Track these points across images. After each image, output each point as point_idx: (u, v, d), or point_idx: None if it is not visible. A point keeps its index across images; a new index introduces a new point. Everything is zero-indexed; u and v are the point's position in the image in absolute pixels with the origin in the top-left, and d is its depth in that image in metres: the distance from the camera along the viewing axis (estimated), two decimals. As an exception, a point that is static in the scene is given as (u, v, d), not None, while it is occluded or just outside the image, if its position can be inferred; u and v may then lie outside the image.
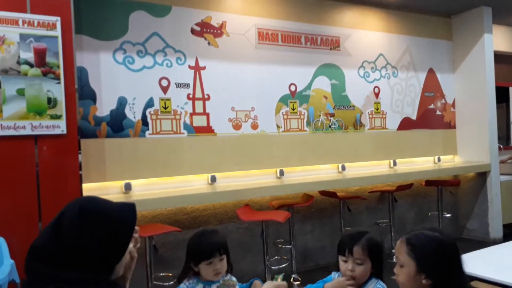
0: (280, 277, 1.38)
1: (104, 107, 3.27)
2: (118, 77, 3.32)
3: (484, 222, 4.98)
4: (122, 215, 1.06)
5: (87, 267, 0.97)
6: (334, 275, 1.79)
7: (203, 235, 1.90)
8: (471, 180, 5.11)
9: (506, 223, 5.02)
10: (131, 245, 1.15)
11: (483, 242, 4.87)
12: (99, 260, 0.99)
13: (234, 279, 1.94)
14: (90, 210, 1.03)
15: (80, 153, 2.91)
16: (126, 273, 1.21)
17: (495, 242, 4.79)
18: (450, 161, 5.22)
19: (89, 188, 3.14)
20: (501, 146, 5.26)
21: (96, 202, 1.08)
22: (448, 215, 4.80)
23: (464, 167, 4.87)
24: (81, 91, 3.17)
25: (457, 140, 5.24)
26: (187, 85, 3.59)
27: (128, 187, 3.31)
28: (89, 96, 3.22)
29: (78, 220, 1.00)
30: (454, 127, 5.25)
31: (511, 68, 6.16)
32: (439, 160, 5.10)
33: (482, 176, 5.00)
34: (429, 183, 4.67)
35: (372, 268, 1.66)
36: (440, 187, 4.69)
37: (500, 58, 5.17)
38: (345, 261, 1.67)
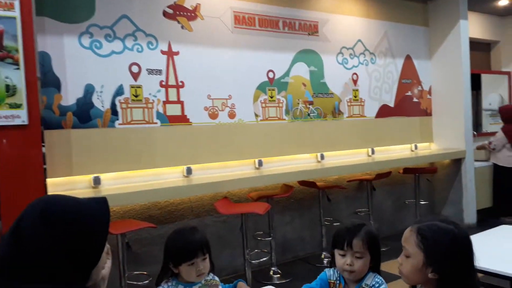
0: None
1: (70, 95, 3.03)
2: (84, 63, 3.08)
3: (458, 208, 5.05)
4: (93, 213, 0.92)
5: (58, 276, 0.84)
6: (329, 271, 1.69)
7: (182, 234, 1.75)
8: (447, 167, 5.16)
9: (480, 209, 5.11)
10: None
11: (458, 228, 4.93)
12: (71, 267, 0.85)
13: (216, 278, 1.81)
14: (54, 211, 0.88)
15: (43, 145, 2.69)
16: (104, 275, 1.08)
17: (469, 227, 4.87)
18: (427, 149, 5.25)
19: (54, 183, 2.92)
20: (475, 133, 5.32)
21: (59, 201, 0.92)
22: (425, 202, 4.83)
23: (440, 154, 4.90)
24: (43, 78, 2.92)
25: (433, 127, 5.27)
26: (160, 72, 3.38)
27: (97, 182, 3.10)
28: (53, 83, 2.97)
29: (40, 225, 0.85)
30: (430, 114, 5.26)
31: (483, 56, 6.24)
32: (416, 147, 5.11)
33: (457, 163, 5.05)
34: (406, 171, 4.67)
35: (370, 262, 1.58)
36: (417, 175, 4.70)
37: (472, 45, 5.19)
38: (343, 255, 1.57)
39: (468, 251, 1.20)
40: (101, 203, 0.96)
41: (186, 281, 1.72)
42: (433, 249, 1.19)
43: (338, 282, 1.65)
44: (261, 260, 3.58)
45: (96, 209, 0.94)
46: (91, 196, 1.00)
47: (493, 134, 5.38)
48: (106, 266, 1.15)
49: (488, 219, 4.97)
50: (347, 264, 1.55)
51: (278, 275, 3.64)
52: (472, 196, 5.01)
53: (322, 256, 4.06)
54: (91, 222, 0.91)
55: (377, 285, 1.56)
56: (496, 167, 5.15)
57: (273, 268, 3.70)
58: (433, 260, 1.18)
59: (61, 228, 0.86)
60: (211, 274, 1.80)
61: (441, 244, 1.19)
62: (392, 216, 4.89)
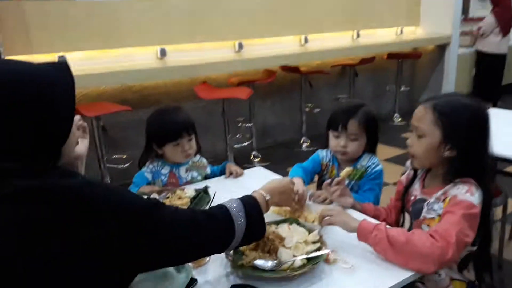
0: None
1: (16, -43, 2.55)
2: None
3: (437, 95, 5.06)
4: (52, 78, 0.76)
5: (22, 155, 0.71)
6: (322, 152, 1.62)
7: (166, 113, 1.63)
8: (431, 52, 5.02)
9: (457, 96, 5.14)
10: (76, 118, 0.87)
11: (433, 114, 5.01)
12: (36, 143, 0.72)
13: (204, 160, 1.73)
14: (2, 79, 0.71)
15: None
16: (80, 154, 0.99)
17: (445, 114, 4.95)
18: (412, 33, 5.03)
19: (13, 63, 2.62)
20: (462, 17, 5.09)
21: (6, 65, 0.75)
22: (405, 88, 4.80)
23: (426, 39, 4.74)
24: None
25: (421, 10, 4.98)
26: None
27: (63, 62, 2.81)
28: None
29: None
30: (420, -6, 4.93)
31: None
32: (401, 32, 4.88)
33: (441, 48, 4.91)
34: (391, 56, 4.52)
35: (366, 144, 1.50)
36: (401, 61, 4.58)
37: None
38: (337, 137, 1.48)
39: (487, 126, 1.11)
40: (61, 68, 0.79)
41: (173, 161, 1.63)
42: (452, 125, 1.09)
43: (331, 163, 1.59)
44: (242, 144, 3.55)
45: (55, 75, 0.77)
46: (49, 61, 0.80)
47: (480, 19, 5.17)
48: (81, 144, 1.01)
49: (464, 106, 5.05)
50: (340, 146, 1.47)
51: (258, 159, 3.67)
52: (452, 82, 4.99)
53: (301, 141, 4.08)
54: (50, 87, 0.75)
55: (373, 166, 1.50)
56: (479, 54, 5.06)
57: (253, 152, 3.70)
58: (452, 136, 1.09)
59: (11, 96, 0.70)
60: (198, 156, 1.72)
61: (462, 118, 1.09)
62: (372, 102, 4.86)
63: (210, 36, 3.43)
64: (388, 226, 1.02)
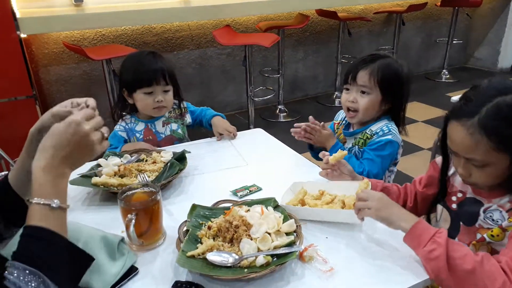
0: None
1: None
2: None
3: (495, 50, 4.49)
4: None
5: None
6: (341, 112, 1.43)
7: (142, 56, 1.42)
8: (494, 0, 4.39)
9: (519, 52, 4.54)
10: None
11: (488, 71, 4.49)
12: None
13: (182, 106, 1.52)
14: None
15: None
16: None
17: (502, 72, 4.42)
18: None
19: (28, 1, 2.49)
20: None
21: None
22: (458, 41, 4.26)
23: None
24: None
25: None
26: None
27: (78, -1, 2.65)
28: None
29: None
30: None
31: None
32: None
33: (507, -5, 4.27)
34: (445, 3, 3.98)
35: (386, 103, 1.25)
36: (457, 8, 4.02)
37: None
38: (347, 90, 1.28)
39: None
40: None
41: (148, 117, 1.45)
42: None
43: (344, 122, 1.40)
44: (267, 97, 3.32)
45: None
46: None
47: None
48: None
49: (526, 64, 4.47)
50: (348, 101, 1.26)
51: (285, 113, 3.43)
52: (514, 37, 4.39)
53: (334, 96, 3.78)
54: None
55: (381, 133, 1.24)
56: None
57: (279, 106, 3.47)
58: None
59: None
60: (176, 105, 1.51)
61: None
62: (418, 56, 4.41)
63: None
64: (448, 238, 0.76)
